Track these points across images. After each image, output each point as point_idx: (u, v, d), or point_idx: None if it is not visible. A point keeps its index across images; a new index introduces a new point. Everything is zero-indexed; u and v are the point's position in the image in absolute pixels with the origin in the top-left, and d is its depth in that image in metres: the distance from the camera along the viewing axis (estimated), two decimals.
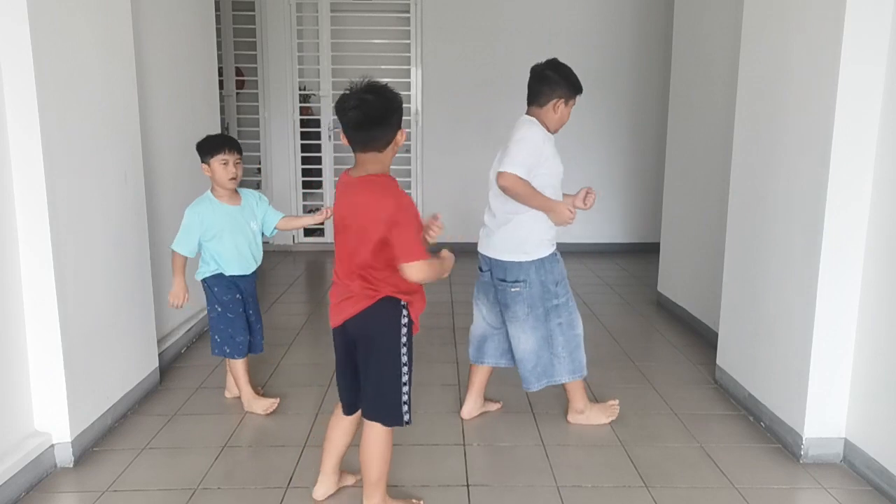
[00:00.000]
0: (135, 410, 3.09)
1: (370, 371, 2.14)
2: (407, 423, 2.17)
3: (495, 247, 2.81)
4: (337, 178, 6.92)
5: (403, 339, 2.13)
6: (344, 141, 2.04)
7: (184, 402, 3.19)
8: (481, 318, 3.01)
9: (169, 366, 3.59)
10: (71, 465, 2.60)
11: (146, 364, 3.25)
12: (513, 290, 2.77)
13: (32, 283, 2.47)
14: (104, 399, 2.85)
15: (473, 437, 2.84)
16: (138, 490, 2.44)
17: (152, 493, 2.42)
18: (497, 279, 2.81)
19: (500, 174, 2.63)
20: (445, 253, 2.19)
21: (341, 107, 1.98)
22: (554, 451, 2.72)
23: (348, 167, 2.14)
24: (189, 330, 3.94)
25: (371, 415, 2.16)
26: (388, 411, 2.14)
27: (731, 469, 2.59)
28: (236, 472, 2.56)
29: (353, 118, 1.96)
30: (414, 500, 2.34)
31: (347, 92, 1.98)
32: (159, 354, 3.42)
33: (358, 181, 2.05)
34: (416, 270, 2.00)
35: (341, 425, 2.31)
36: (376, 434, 2.15)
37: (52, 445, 2.56)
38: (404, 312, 2.13)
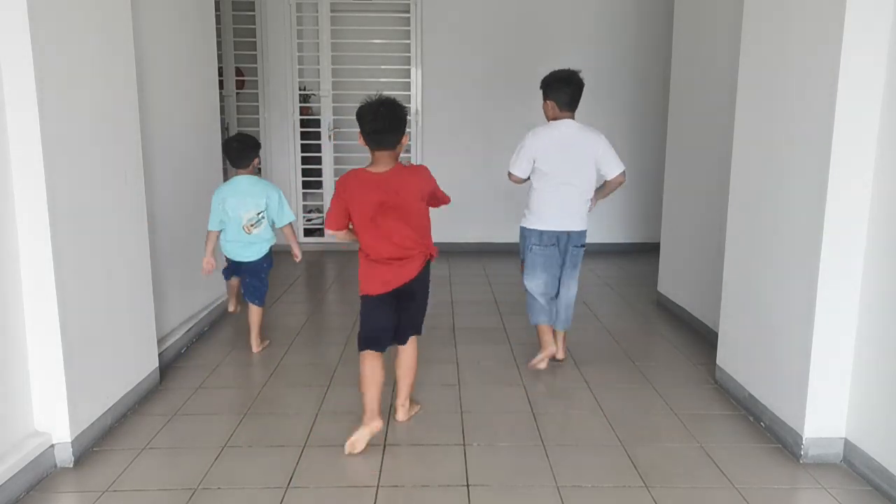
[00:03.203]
0: (135, 410, 3.09)
1: (420, 304, 2.89)
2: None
3: (576, 221, 3.45)
4: (337, 178, 6.94)
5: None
6: (361, 142, 2.69)
7: (184, 402, 3.19)
8: (544, 288, 3.53)
9: (169, 366, 3.59)
10: (71, 465, 2.59)
11: (146, 364, 3.25)
12: (582, 250, 3.52)
13: (32, 283, 2.46)
14: (104, 399, 2.86)
15: (473, 437, 2.84)
16: (138, 490, 2.44)
17: (152, 493, 2.42)
18: (573, 246, 3.47)
19: (623, 173, 3.42)
20: None
21: (365, 117, 2.63)
22: (554, 451, 2.72)
23: (353, 167, 2.77)
24: (189, 330, 3.94)
25: (415, 332, 2.91)
26: (421, 325, 2.95)
27: (731, 469, 2.59)
28: (236, 472, 2.55)
29: (377, 126, 2.62)
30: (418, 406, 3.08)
31: (365, 104, 2.64)
32: (159, 354, 3.42)
33: (393, 173, 2.69)
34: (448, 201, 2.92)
35: (379, 363, 2.79)
36: (415, 346, 2.94)
37: (52, 445, 2.56)
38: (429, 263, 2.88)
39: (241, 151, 3.65)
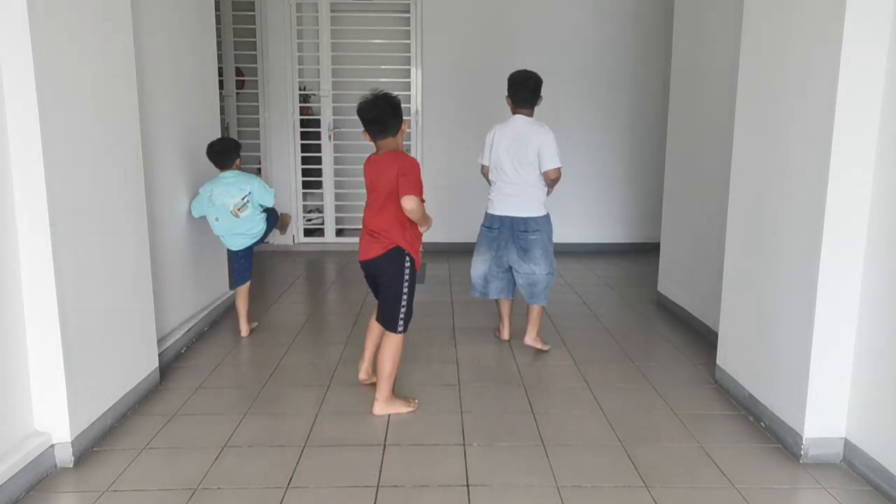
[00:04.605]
0: (135, 410, 3.09)
1: (386, 294, 3.03)
2: (401, 331, 3.02)
3: (518, 208, 3.73)
4: (337, 178, 6.95)
5: (406, 273, 3.00)
6: (366, 137, 2.95)
7: (184, 402, 3.19)
8: (486, 267, 3.95)
9: (169, 366, 3.59)
10: (71, 465, 2.59)
11: (146, 364, 3.25)
12: (533, 237, 3.72)
13: (32, 284, 2.46)
14: (104, 399, 2.86)
15: (473, 437, 2.84)
16: (138, 490, 2.44)
17: (152, 493, 2.42)
18: (519, 231, 3.73)
19: (556, 169, 3.65)
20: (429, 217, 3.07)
21: (362, 110, 2.89)
22: (554, 451, 2.72)
23: (353, 167, 2.91)
24: (189, 330, 3.94)
25: (384, 325, 3.04)
26: (390, 322, 3.03)
27: (731, 469, 2.59)
28: (236, 472, 2.55)
29: (371, 115, 2.88)
30: (413, 400, 3.11)
31: (362, 100, 2.89)
32: (159, 354, 3.42)
33: (382, 157, 2.96)
34: (408, 200, 2.84)
35: (373, 320, 3.24)
36: (389, 343, 3.03)
37: (52, 445, 2.56)
38: (407, 258, 3.00)
39: (223, 154, 3.98)
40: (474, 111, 6.68)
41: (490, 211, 3.83)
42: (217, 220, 3.94)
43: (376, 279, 3.07)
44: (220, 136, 4.72)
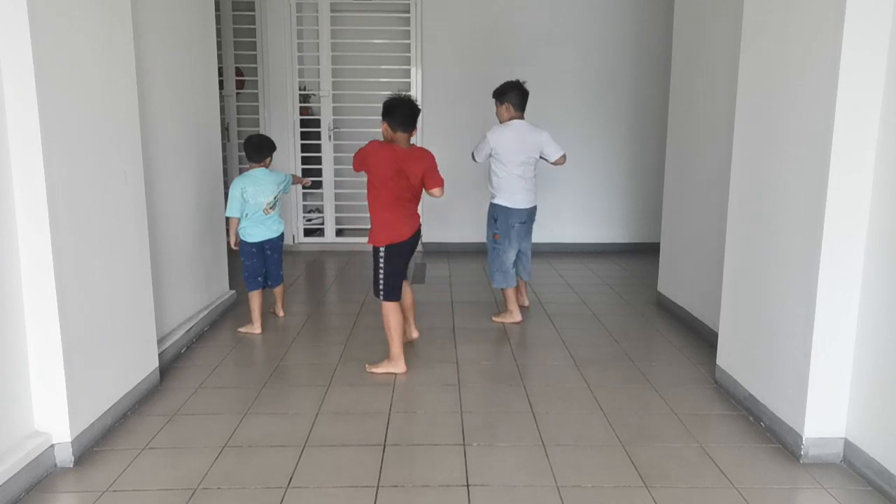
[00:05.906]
0: (135, 410, 3.09)
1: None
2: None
3: (535, 198, 4.49)
4: (337, 178, 6.94)
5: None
6: (385, 128, 3.44)
7: (184, 402, 3.19)
8: (514, 256, 4.48)
9: (169, 366, 3.59)
10: (71, 465, 2.59)
11: (146, 364, 3.25)
12: (533, 222, 4.53)
13: (32, 283, 2.46)
14: (104, 399, 2.86)
15: (473, 437, 2.84)
16: (138, 490, 2.44)
17: (152, 493, 2.42)
18: (532, 217, 4.50)
19: (563, 156, 4.42)
20: None
21: (400, 106, 3.41)
22: (554, 451, 2.72)
23: (376, 141, 3.52)
24: (189, 330, 3.94)
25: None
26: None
27: (731, 469, 2.59)
28: (236, 472, 2.55)
29: (408, 111, 3.43)
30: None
31: (395, 99, 3.44)
32: (159, 354, 3.42)
33: (410, 151, 3.48)
34: (440, 189, 3.50)
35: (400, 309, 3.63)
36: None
37: (52, 445, 2.56)
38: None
39: (258, 147, 4.18)
40: (474, 111, 6.67)
41: (519, 206, 4.33)
42: (247, 215, 4.12)
43: (412, 249, 3.58)
44: (220, 135, 4.76)
